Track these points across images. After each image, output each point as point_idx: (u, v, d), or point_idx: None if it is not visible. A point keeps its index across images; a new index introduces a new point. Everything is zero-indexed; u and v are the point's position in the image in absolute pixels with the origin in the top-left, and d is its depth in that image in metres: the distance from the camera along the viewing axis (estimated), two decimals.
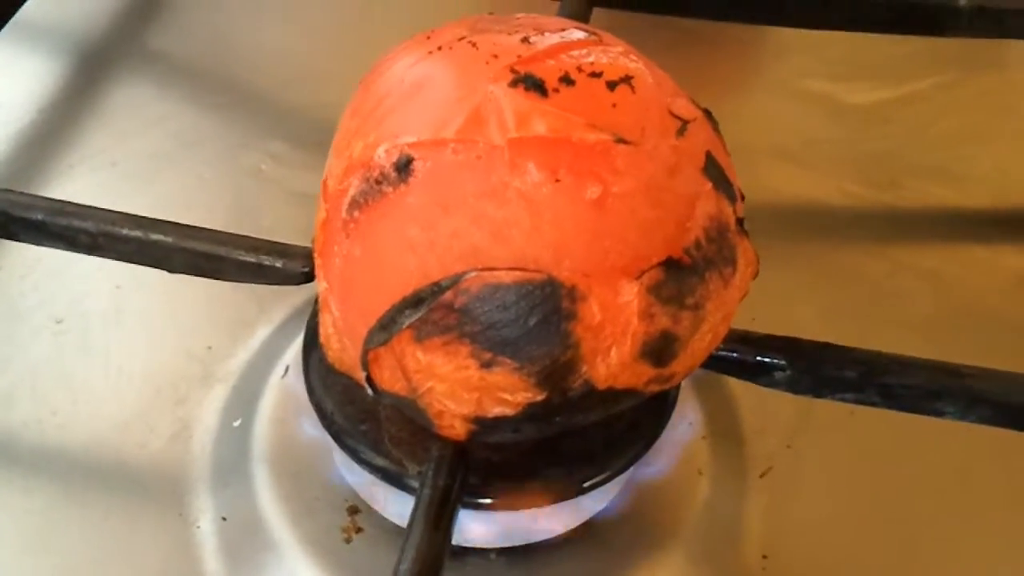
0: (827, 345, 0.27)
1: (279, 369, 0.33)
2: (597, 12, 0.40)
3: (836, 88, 0.46)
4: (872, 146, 0.43)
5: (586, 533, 0.29)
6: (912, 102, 0.45)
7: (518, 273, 0.21)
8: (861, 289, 0.38)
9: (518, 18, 0.25)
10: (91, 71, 0.45)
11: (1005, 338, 0.36)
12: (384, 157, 0.22)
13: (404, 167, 0.22)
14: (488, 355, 0.22)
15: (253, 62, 0.46)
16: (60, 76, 0.44)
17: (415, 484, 0.26)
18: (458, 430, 0.24)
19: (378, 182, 0.23)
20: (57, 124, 0.42)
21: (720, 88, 0.46)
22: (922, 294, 0.38)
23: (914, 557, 0.30)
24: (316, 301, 0.29)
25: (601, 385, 0.22)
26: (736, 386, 0.32)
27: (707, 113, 0.25)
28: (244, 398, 0.32)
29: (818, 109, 0.45)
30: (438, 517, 0.23)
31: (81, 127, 0.42)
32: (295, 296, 0.34)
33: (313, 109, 0.43)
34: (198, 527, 0.29)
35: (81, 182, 0.40)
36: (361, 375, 0.24)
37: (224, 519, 0.30)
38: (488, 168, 0.22)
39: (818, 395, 0.27)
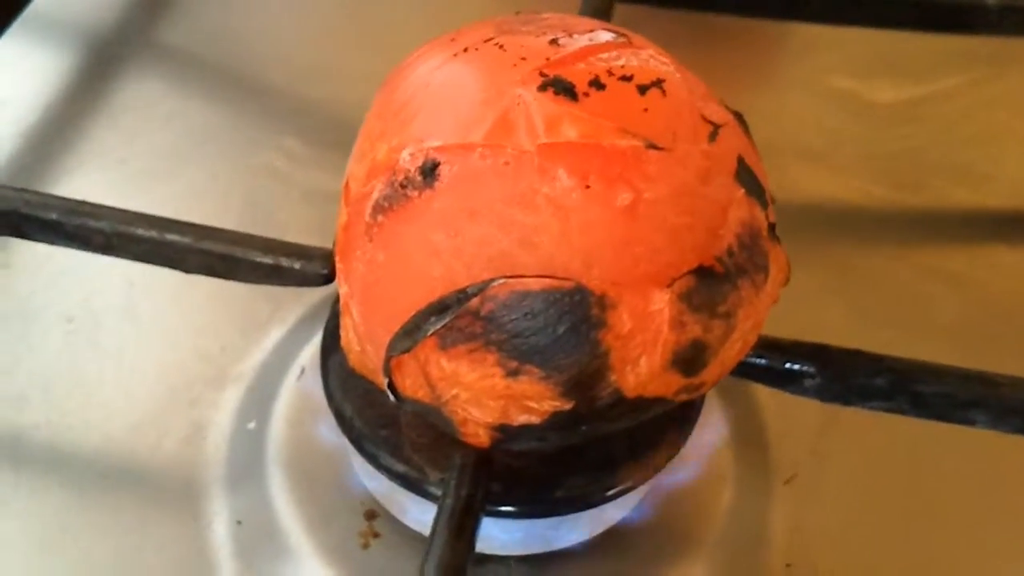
0: (857, 352, 0.27)
1: (294, 370, 0.32)
2: (620, 8, 0.39)
3: (861, 86, 0.45)
4: (898, 145, 0.43)
5: (609, 541, 0.28)
6: (938, 101, 0.45)
7: (547, 280, 0.21)
8: (886, 292, 0.37)
9: (545, 18, 0.24)
10: (101, 67, 0.44)
11: None
12: (409, 161, 0.22)
13: (430, 171, 0.22)
14: (514, 363, 0.21)
15: (266, 57, 0.45)
16: (69, 72, 0.44)
17: (436, 491, 0.25)
18: (482, 438, 0.23)
19: (403, 186, 0.22)
20: (66, 121, 0.41)
21: (743, 85, 0.45)
22: (948, 297, 0.37)
23: (940, 566, 0.30)
24: (334, 303, 0.28)
25: (630, 394, 0.22)
26: (761, 392, 0.32)
27: (738, 116, 0.24)
28: (259, 400, 0.32)
29: (843, 107, 0.44)
30: (461, 527, 0.23)
31: (91, 124, 0.41)
32: (310, 296, 0.34)
33: (328, 105, 0.43)
34: (212, 530, 0.29)
35: (91, 180, 0.39)
36: (383, 381, 0.23)
37: (239, 523, 0.29)
38: (517, 174, 0.21)
39: (847, 403, 0.27)
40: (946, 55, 0.46)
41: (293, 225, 0.38)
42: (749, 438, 0.31)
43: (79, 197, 0.38)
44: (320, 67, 0.45)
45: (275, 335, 0.34)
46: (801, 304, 0.32)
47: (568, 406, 0.22)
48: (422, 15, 0.47)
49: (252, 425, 0.31)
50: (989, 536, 0.30)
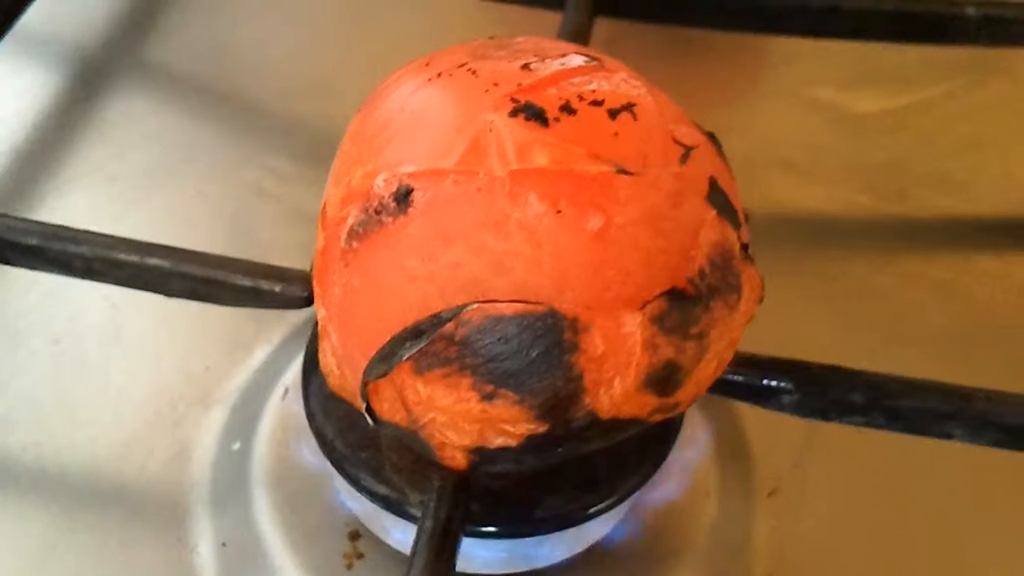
0: (834, 368, 0.27)
1: (278, 390, 0.32)
2: (600, 22, 0.39)
3: (842, 96, 0.45)
4: (880, 156, 0.43)
5: (592, 558, 0.28)
6: (920, 111, 0.45)
7: (519, 305, 0.21)
8: (870, 302, 0.38)
9: (519, 42, 0.24)
10: (88, 84, 0.44)
11: (1017, 350, 0.36)
12: (383, 187, 0.22)
13: (403, 198, 0.22)
14: (489, 387, 0.22)
15: (254, 74, 0.45)
16: (56, 90, 0.44)
17: (417, 512, 0.25)
18: (460, 461, 0.23)
19: (377, 212, 0.22)
20: (53, 139, 0.42)
21: (724, 97, 0.46)
22: (932, 306, 0.38)
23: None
24: (316, 325, 0.28)
25: (604, 416, 0.22)
26: (743, 405, 0.32)
27: (711, 137, 0.24)
28: (243, 420, 0.32)
29: (824, 118, 0.44)
30: (440, 548, 0.23)
31: (78, 142, 0.42)
32: (294, 316, 0.34)
33: (316, 122, 0.43)
34: (197, 552, 0.29)
35: (78, 198, 0.39)
36: (361, 405, 0.24)
37: (224, 544, 0.29)
38: (489, 199, 0.21)
39: (825, 418, 0.27)
40: (927, 65, 0.46)
41: (279, 245, 0.38)
42: (731, 451, 0.32)
43: (68, 216, 0.38)
44: (308, 84, 0.45)
45: (260, 355, 0.34)
46: (785, 315, 0.32)
47: (543, 429, 0.22)
48: (410, 32, 0.47)
49: (237, 446, 0.31)
50: (970, 548, 0.30)
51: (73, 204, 0.39)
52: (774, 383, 0.26)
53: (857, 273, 0.39)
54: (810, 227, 0.41)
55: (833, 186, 0.42)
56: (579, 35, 0.35)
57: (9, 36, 0.44)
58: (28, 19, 0.46)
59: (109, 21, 0.47)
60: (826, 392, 0.26)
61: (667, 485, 0.30)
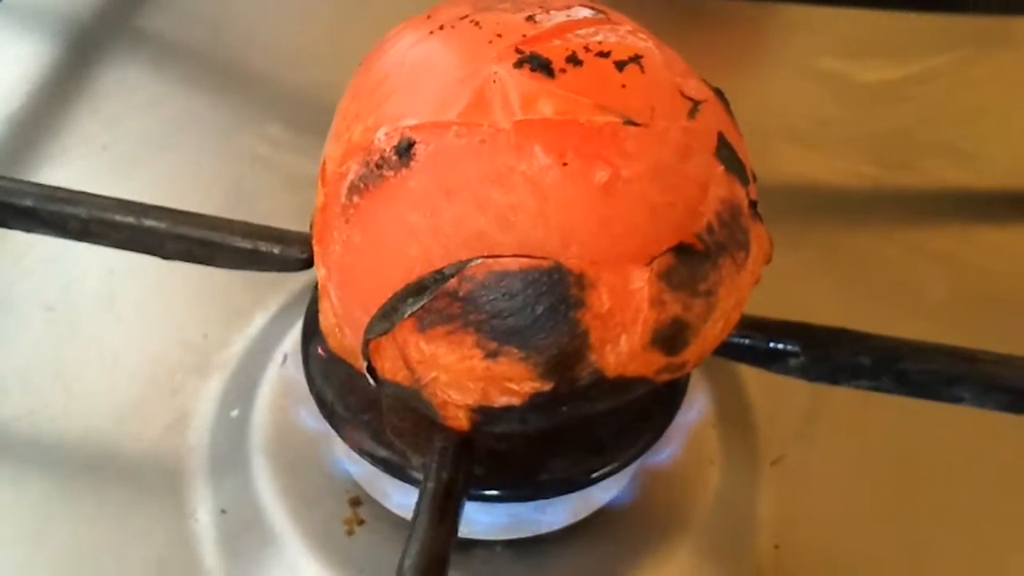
0: (841, 331, 0.27)
1: (277, 357, 0.32)
2: None
3: (847, 66, 0.45)
4: (885, 125, 0.43)
5: (594, 524, 0.28)
6: (925, 80, 0.44)
7: (524, 260, 0.21)
8: (874, 272, 0.37)
9: None
10: (82, 53, 0.44)
11: (1021, 320, 0.36)
12: (384, 140, 0.22)
13: (405, 151, 0.21)
14: (493, 345, 0.21)
15: (249, 42, 0.45)
16: (50, 59, 0.43)
17: (418, 476, 0.25)
18: (462, 421, 0.23)
19: (378, 166, 0.22)
20: (48, 108, 0.41)
21: (729, 67, 0.45)
22: (936, 276, 0.37)
23: (929, 545, 0.29)
24: (315, 288, 0.28)
25: (610, 374, 0.22)
26: (747, 372, 0.32)
27: (718, 93, 0.24)
28: (242, 387, 0.31)
29: (829, 88, 0.44)
30: (442, 511, 0.23)
31: (72, 111, 0.41)
32: (292, 282, 0.33)
33: (311, 90, 0.42)
34: (196, 520, 0.29)
35: (73, 167, 0.39)
36: (362, 364, 0.23)
37: (223, 511, 0.29)
38: (493, 151, 0.21)
39: (833, 382, 0.27)
40: (932, 34, 0.46)
41: (276, 211, 0.37)
42: (736, 419, 0.31)
43: (61, 184, 0.38)
44: (303, 51, 0.44)
45: (258, 322, 0.33)
46: (788, 284, 0.32)
47: (548, 387, 0.21)
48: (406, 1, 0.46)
49: (235, 413, 0.31)
50: (979, 514, 0.30)
51: (68, 174, 0.39)
52: (781, 346, 0.26)
53: (861, 243, 0.38)
54: (814, 197, 0.41)
55: (837, 156, 0.41)
56: None
57: (1, 7, 0.44)
58: None
59: None
60: (834, 355, 0.26)
61: (671, 451, 0.29)
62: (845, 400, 0.29)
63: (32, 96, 0.42)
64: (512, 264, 0.21)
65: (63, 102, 0.42)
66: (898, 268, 0.37)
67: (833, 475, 0.31)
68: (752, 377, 0.32)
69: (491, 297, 0.21)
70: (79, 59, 0.44)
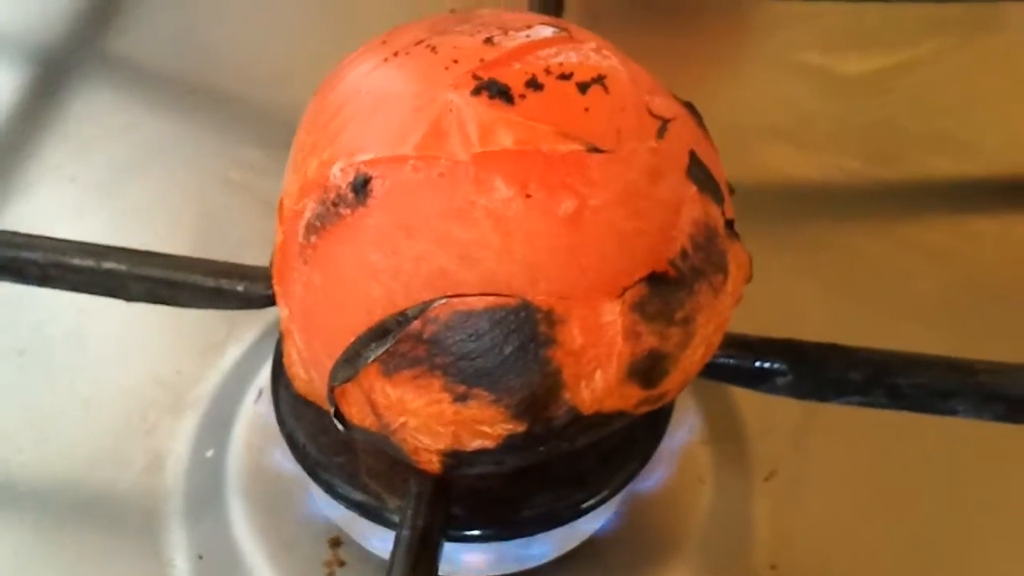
0: (830, 346, 0.26)
1: (252, 393, 0.31)
2: None
3: (829, 59, 0.44)
4: (870, 118, 0.42)
5: (584, 553, 0.27)
6: (909, 70, 0.43)
7: (490, 299, 0.20)
8: (864, 271, 0.36)
9: (481, 15, 0.23)
10: (48, 80, 0.43)
11: (1016, 315, 0.35)
12: (340, 177, 0.21)
13: (361, 187, 0.20)
14: (462, 388, 0.20)
15: (219, 64, 0.44)
16: (15, 86, 0.42)
17: (395, 519, 0.24)
18: (435, 465, 0.22)
19: (335, 204, 0.21)
20: (14, 138, 0.40)
21: (707, 64, 0.44)
22: (928, 272, 0.36)
23: (927, 558, 0.29)
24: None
25: (587, 411, 0.21)
26: (736, 386, 0.31)
27: (689, 107, 0.23)
28: (216, 425, 0.31)
29: (811, 82, 0.43)
30: (418, 558, 0.22)
31: (40, 140, 0.40)
32: (266, 315, 0.32)
33: (283, 111, 0.41)
34: (174, 566, 0.28)
35: (41, 199, 0.38)
36: (330, 410, 0.22)
37: (200, 557, 0.28)
38: (452, 186, 0.20)
39: (823, 399, 0.26)
40: (914, 23, 0.45)
41: (251, 238, 0.36)
42: (726, 435, 0.30)
43: (29, 218, 0.37)
44: (274, 74, 0.43)
45: (232, 356, 0.33)
46: (773, 290, 0.31)
47: (522, 428, 0.21)
48: (376, 16, 0.45)
49: (210, 453, 0.30)
50: (977, 526, 0.29)
51: (35, 206, 0.38)
52: (767, 365, 0.25)
53: (849, 242, 0.37)
54: (799, 195, 0.40)
55: (822, 152, 0.40)
56: (552, 4, 0.34)
57: None
58: None
59: (69, 14, 0.46)
60: (822, 372, 0.25)
61: (659, 473, 0.29)
62: (837, 412, 0.28)
63: None
64: (477, 303, 0.20)
65: (30, 131, 0.41)
66: (888, 265, 0.37)
67: (828, 489, 0.30)
68: (741, 391, 0.30)
69: (457, 338, 0.20)
70: (46, 86, 0.43)
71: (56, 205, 0.38)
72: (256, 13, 0.47)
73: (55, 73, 0.43)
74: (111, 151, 0.40)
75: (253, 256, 0.28)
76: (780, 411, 0.31)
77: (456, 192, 0.20)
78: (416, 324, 0.20)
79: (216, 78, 0.43)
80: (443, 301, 0.20)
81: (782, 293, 0.33)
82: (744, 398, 0.31)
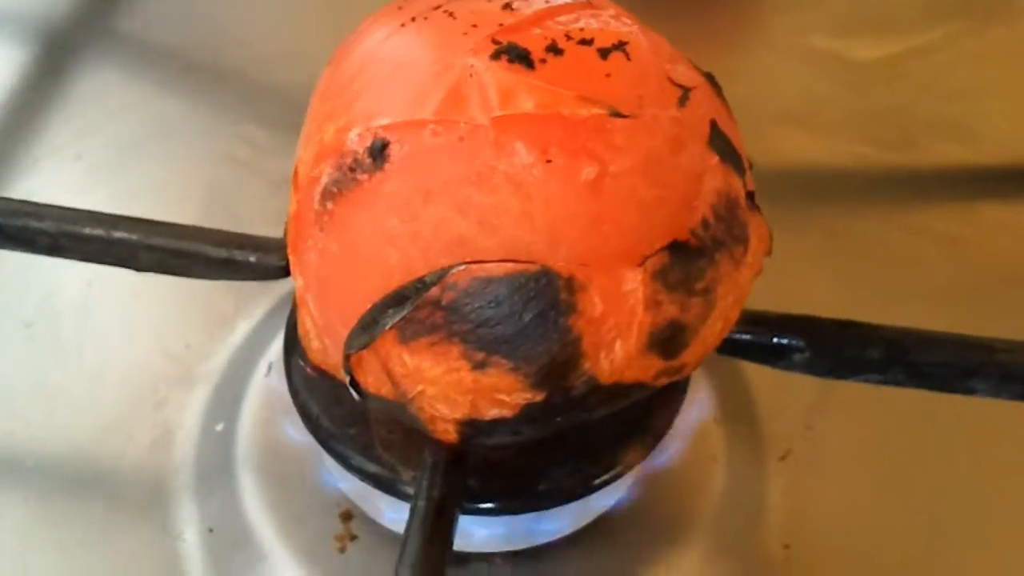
0: (848, 323, 0.25)
1: (262, 367, 0.31)
2: None
3: (840, 44, 0.43)
4: (881, 104, 0.41)
5: (596, 531, 0.27)
6: (921, 55, 0.43)
7: (510, 265, 0.19)
8: (875, 257, 0.36)
9: None
10: (53, 58, 0.42)
11: None
12: (357, 142, 0.20)
13: (379, 152, 0.20)
14: (481, 355, 0.20)
15: (224, 41, 0.44)
16: (20, 65, 0.42)
17: (410, 491, 0.24)
18: (452, 434, 0.22)
19: (352, 169, 0.20)
20: (19, 116, 0.40)
21: (718, 49, 0.44)
22: (940, 258, 0.36)
23: (943, 539, 0.28)
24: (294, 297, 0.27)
25: (606, 381, 0.21)
26: (750, 365, 0.30)
27: (709, 78, 0.23)
28: (226, 399, 0.30)
29: (822, 67, 0.43)
30: (434, 530, 0.22)
31: (46, 118, 0.40)
32: (276, 288, 0.32)
33: (289, 89, 0.41)
34: (183, 540, 0.28)
35: (46, 177, 0.38)
36: (345, 379, 0.22)
37: (210, 530, 0.28)
38: (471, 150, 0.19)
39: (840, 377, 0.26)
40: (924, 9, 0.45)
41: (258, 215, 0.36)
42: (739, 414, 0.30)
43: (35, 196, 0.36)
44: (279, 50, 0.43)
45: (241, 329, 0.32)
46: (786, 273, 0.30)
47: (540, 397, 0.20)
48: None
49: (220, 427, 0.30)
50: (992, 505, 0.29)
51: (40, 184, 0.38)
52: (784, 341, 0.25)
53: (861, 227, 0.37)
54: (811, 180, 0.39)
55: (834, 137, 0.40)
56: None
57: None
58: None
59: None
60: (840, 349, 0.25)
61: (672, 451, 0.28)
62: (852, 390, 0.28)
63: (4, 103, 0.40)
64: (497, 269, 0.19)
65: (35, 109, 0.40)
66: (900, 251, 0.36)
67: (842, 468, 0.30)
68: (755, 369, 0.30)
69: (476, 305, 0.20)
70: (51, 64, 0.42)
71: (62, 183, 0.38)
72: None
73: (60, 51, 0.43)
74: (117, 129, 0.40)
75: (260, 232, 0.28)
76: (794, 390, 0.30)
77: (476, 157, 0.19)
78: (434, 290, 0.20)
79: (222, 56, 0.43)
80: (462, 267, 0.20)
81: (791, 277, 0.33)
82: (757, 377, 0.31)
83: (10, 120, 0.40)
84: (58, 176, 0.38)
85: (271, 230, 0.28)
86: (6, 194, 0.36)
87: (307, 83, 0.40)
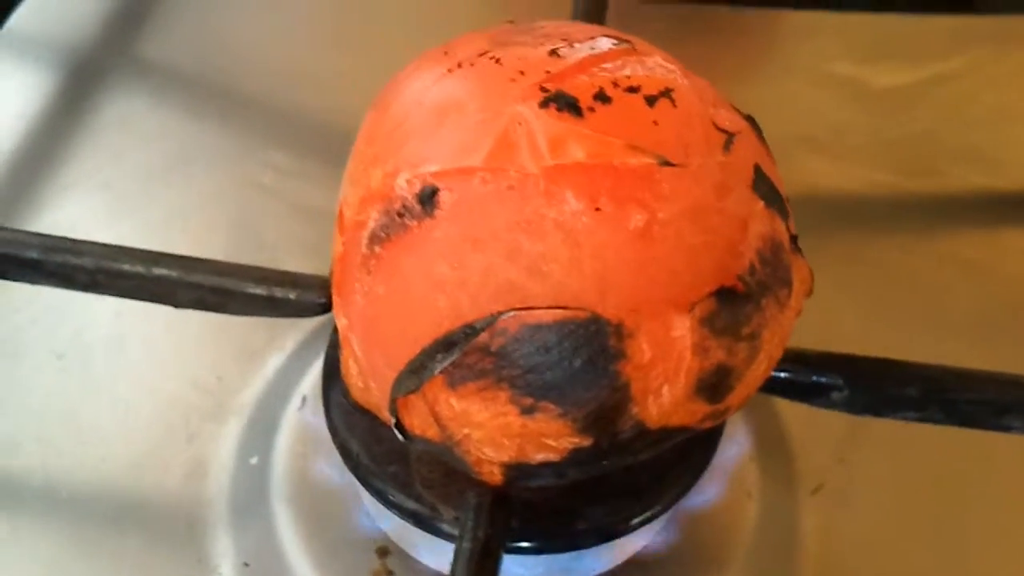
0: (885, 361, 0.26)
1: (295, 400, 0.31)
2: (613, 3, 0.37)
3: (862, 71, 0.44)
4: (903, 131, 0.41)
5: (632, 567, 0.27)
6: (942, 82, 0.43)
7: (559, 312, 0.20)
8: (899, 284, 0.36)
9: (542, 26, 0.23)
10: (81, 85, 0.43)
11: None
12: (406, 188, 0.21)
13: (428, 199, 0.20)
14: (529, 400, 0.20)
15: (251, 68, 0.44)
16: (49, 92, 0.42)
17: (451, 530, 0.24)
18: (497, 476, 0.22)
19: (400, 215, 0.21)
20: (47, 144, 0.40)
21: (739, 75, 0.44)
22: (963, 285, 0.36)
23: (977, 572, 0.28)
24: (334, 330, 0.27)
25: (653, 426, 0.21)
26: (781, 400, 0.31)
27: (751, 120, 0.23)
28: (260, 432, 0.30)
29: (844, 94, 0.43)
30: (479, 570, 0.22)
31: (73, 146, 0.40)
32: (307, 321, 0.32)
33: (315, 114, 0.41)
34: (219, 574, 0.28)
35: (75, 205, 0.38)
36: (390, 420, 0.22)
37: (246, 564, 0.28)
38: (521, 198, 0.20)
39: (878, 414, 0.26)
40: (947, 36, 0.45)
41: (284, 243, 0.36)
42: (772, 448, 0.30)
43: (66, 225, 0.37)
44: (304, 75, 0.43)
45: (274, 363, 0.32)
46: (809, 302, 0.31)
47: (588, 442, 0.20)
48: (408, 17, 0.45)
49: (255, 460, 0.30)
50: (1023, 541, 0.29)
51: (70, 212, 0.38)
52: (823, 379, 0.25)
53: (884, 256, 0.37)
54: (831, 207, 0.40)
55: (855, 164, 0.40)
56: (594, 15, 0.34)
57: None
58: (16, 19, 0.44)
59: (100, 19, 0.45)
60: (879, 387, 0.25)
61: (708, 488, 0.28)
62: (883, 423, 0.28)
63: (31, 131, 0.41)
64: (546, 316, 0.20)
65: (63, 136, 0.41)
66: (923, 278, 0.36)
67: (874, 501, 0.30)
68: (787, 404, 0.30)
69: (525, 351, 0.20)
70: (78, 91, 0.42)
71: (90, 211, 0.38)
72: (286, 17, 0.47)
73: (87, 79, 0.43)
74: (144, 156, 0.40)
75: (289, 259, 0.28)
76: (825, 424, 0.30)
77: (525, 205, 0.20)
78: (483, 336, 0.20)
79: (248, 83, 0.43)
80: (512, 314, 0.20)
81: (817, 308, 0.33)
82: (790, 412, 0.31)
83: (37, 147, 0.40)
84: (86, 204, 0.38)
85: (297, 257, 0.28)
86: (36, 222, 0.37)
87: (331, 108, 0.40)
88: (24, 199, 0.38)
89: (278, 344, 0.33)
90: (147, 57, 0.44)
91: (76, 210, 0.38)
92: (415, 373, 0.21)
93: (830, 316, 0.33)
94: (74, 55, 0.44)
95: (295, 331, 0.33)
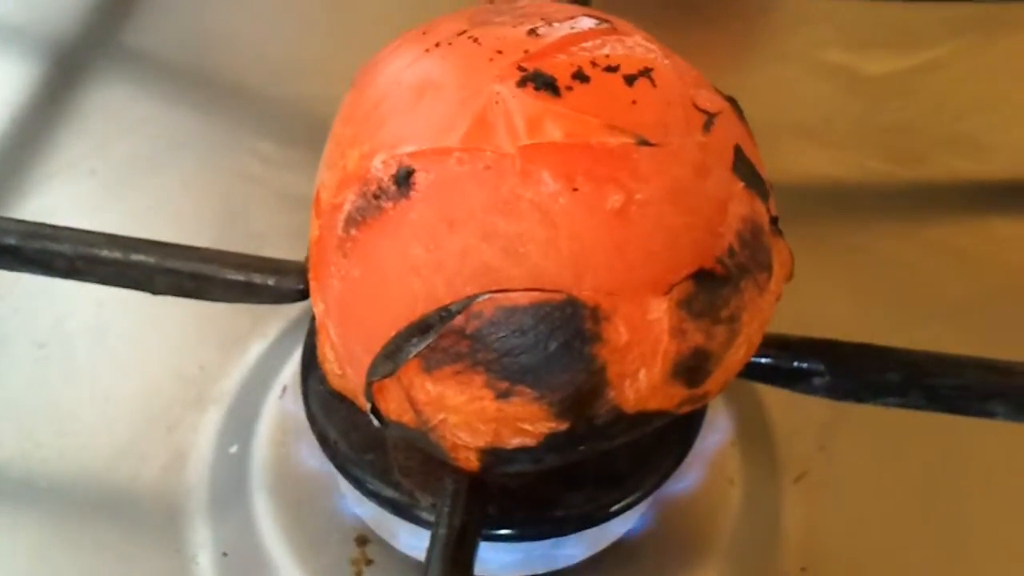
0: (867, 346, 0.25)
1: (276, 389, 0.31)
2: None
3: (852, 58, 0.43)
4: (894, 118, 0.41)
5: (614, 555, 0.27)
6: (933, 70, 0.43)
7: (535, 294, 0.19)
8: (889, 272, 0.36)
9: (521, 6, 0.22)
10: (66, 74, 0.42)
11: None
12: (382, 169, 0.20)
13: (404, 180, 0.20)
14: (505, 384, 0.20)
15: (236, 56, 0.43)
16: (33, 81, 0.42)
17: (428, 517, 0.24)
18: (473, 462, 0.22)
19: (376, 197, 0.20)
20: (32, 132, 0.40)
21: (730, 62, 0.44)
22: (952, 273, 0.36)
23: (959, 561, 0.28)
24: (312, 319, 0.27)
25: (630, 410, 0.20)
26: (765, 386, 0.30)
27: (732, 102, 0.23)
28: (240, 421, 0.30)
29: (835, 81, 0.43)
30: (456, 557, 0.21)
31: (58, 134, 0.40)
32: (290, 309, 0.32)
33: (301, 103, 0.41)
34: (197, 563, 0.28)
35: (60, 193, 0.37)
36: (366, 405, 0.22)
37: (225, 554, 0.28)
38: (497, 179, 0.19)
39: (859, 400, 0.25)
40: (937, 23, 0.44)
41: (271, 231, 0.36)
42: (755, 436, 0.30)
43: (49, 212, 0.36)
44: (292, 65, 0.43)
45: (255, 351, 0.32)
46: (799, 290, 0.30)
47: (564, 426, 0.20)
48: (392, 5, 0.45)
49: (234, 449, 0.30)
50: (1008, 526, 0.29)
51: (55, 200, 0.37)
52: (805, 365, 0.25)
53: (873, 242, 0.37)
54: (821, 194, 0.39)
55: (845, 151, 0.40)
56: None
57: None
58: (1, 8, 0.44)
59: (86, 7, 0.45)
60: (860, 373, 0.25)
61: (689, 475, 0.28)
62: (866, 411, 0.28)
63: (15, 119, 0.40)
64: (522, 299, 0.19)
65: (48, 125, 0.40)
66: (912, 266, 0.36)
67: (858, 489, 0.30)
68: (770, 391, 0.30)
69: (501, 334, 0.19)
70: (63, 80, 0.42)
71: (76, 199, 0.38)
72: (273, 6, 0.46)
73: (73, 67, 0.43)
74: (130, 145, 0.40)
75: (276, 249, 0.28)
76: (809, 412, 0.30)
77: (502, 185, 0.19)
78: (459, 319, 0.20)
79: (233, 71, 0.43)
80: (487, 296, 0.19)
81: (802, 292, 0.33)
82: (773, 399, 0.31)
83: (24, 135, 0.40)
84: (72, 191, 0.38)
85: (284, 244, 0.28)
86: (21, 210, 0.37)
87: (318, 97, 0.40)
88: (9, 187, 0.38)
89: (260, 332, 0.33)
90: (132, 46, 0.44)
91: (61, 198, 0.38)
92: (390, 357, 0.20)
93: (819, 303, 0.33)
94: (59, 43, 0.44)
95: (277, 319, 0.33)
